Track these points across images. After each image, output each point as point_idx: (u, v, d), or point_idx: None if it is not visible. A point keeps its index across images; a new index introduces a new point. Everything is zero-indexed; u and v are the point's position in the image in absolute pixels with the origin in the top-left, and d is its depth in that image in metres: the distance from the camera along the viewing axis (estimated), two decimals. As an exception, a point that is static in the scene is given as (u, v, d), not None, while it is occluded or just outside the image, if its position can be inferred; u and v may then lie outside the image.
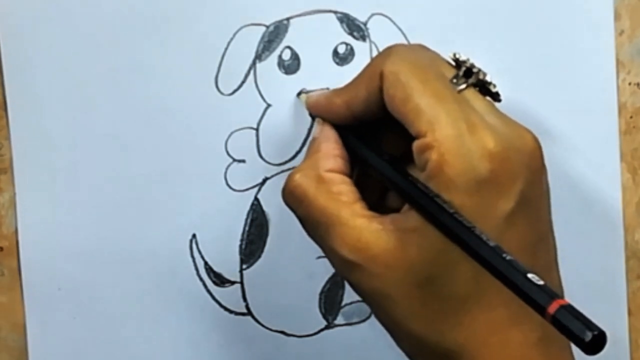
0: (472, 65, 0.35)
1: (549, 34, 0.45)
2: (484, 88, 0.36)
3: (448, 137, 0.33)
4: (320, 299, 0.45)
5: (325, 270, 0.45)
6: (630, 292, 0.46)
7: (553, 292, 0.28)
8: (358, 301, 0.45)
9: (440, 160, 0.33)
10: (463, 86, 0.35)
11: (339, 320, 0.45)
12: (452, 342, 0.33)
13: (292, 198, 0.37)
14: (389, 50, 0.37)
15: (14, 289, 0.44)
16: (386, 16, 0.44)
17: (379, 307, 0.35)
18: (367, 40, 0.44)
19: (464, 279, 0.33)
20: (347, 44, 0.44)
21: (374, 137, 0.38)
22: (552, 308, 0.27)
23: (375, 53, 0.44)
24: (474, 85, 0.35)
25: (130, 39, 0.43)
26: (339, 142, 0.38)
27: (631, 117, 0.45)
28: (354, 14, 0.44)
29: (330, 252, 0.36)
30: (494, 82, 0.36)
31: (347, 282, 0.36)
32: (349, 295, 0.45)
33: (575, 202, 0.45)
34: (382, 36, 0.44)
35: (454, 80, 0.35)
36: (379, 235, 0.34)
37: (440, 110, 0.33)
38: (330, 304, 0.45)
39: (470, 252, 0.30)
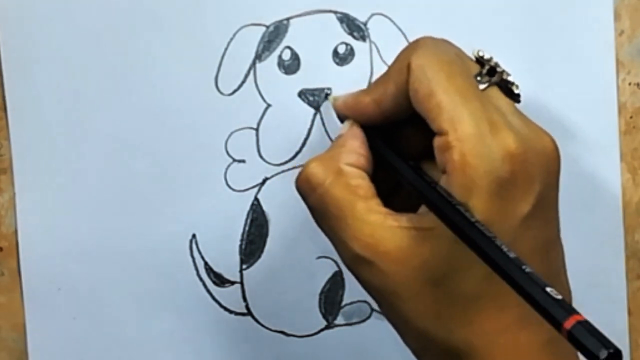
0: (496, 64, 0.35)
1: (549, 34, 0.45)
2: (506, 88, 0.35)
3: (470, 136, 0.32)
4: (320, 299, 0.45)
5: (325, 270, 0.45)
6: (630, 292, 0.46)
7: (570, 307, 0.28)
8: (358, 301, 0.45)
9: (462, 160, 0.32)
10: (486, 84, 0.35)
11: (339, 320, 0.45)
12: (461, 341, 0.33)
13: (307, 185, 0.36)
14: (417, 43, 0.36)
15: (14, 289, 0.44)
16: (386, 16, 0.44)
17: (387, 303, 0.35)
18: (367, 40, 0.44)
19: (476, 280, 0.33)
20: (347, 44, 0.44)
21: (398, 139, 0.38)
22: (569, 323, 0.27)
23: (375, 53, 0.44)
24: (497, 84, 0.35)
25: (130, 39, 0.43)
26: (364, 142, 0.37)
27: (631, 117, 0.45)
28: (354, 14, 0.44)
29: (340, 245, 0.35)
30: (516, 83, 0.36)
31: (356, 277, 0.36)
32: (349, 295, 0.45)
33: (575, 202, 0.45)
34: (382, 36, 0.44)
35: (478, 78, 0.35)
36: (393, 232, 0.34)
37: (463, 109, 0.33)
38: (330, 304, 0.45)
39: (491, 263, 0.30)
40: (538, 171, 0.33)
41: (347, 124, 0.38)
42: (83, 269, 0.44)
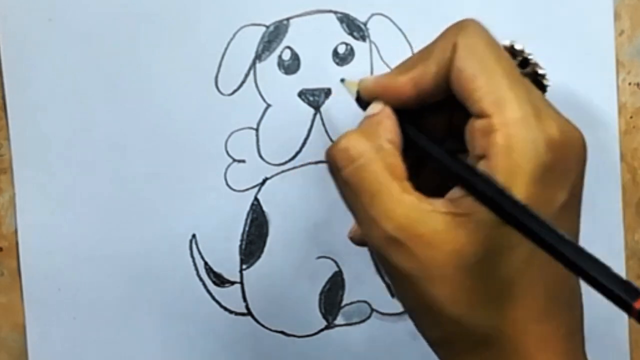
0: (529, 55, 0.35)
1: (549, 33, 0.45)
2: (536, 80, 0.35)
3: (516, 121, 0.32)
4: (320, 299, 0.45)
5: (325, 270, 0.45)
6: (630, 292, 0.46)
7: (637, 288, 0.27)
8: (358, 301, 0.45)
9: (507, 144, 0.32)
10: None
11: (339, 320, 0.45)
12: (492, 328, 0.33)
13: (344, 155, 0.34)
14: (463, 22, 0.35)
15: (14, 289, 0.44)
16: (386, 16, 0.44)
17: (414, 289, 0.33)
18: (367, 40, 0.44)
19: (511, 267, 0.32)
20: (347, 44, 0.44)
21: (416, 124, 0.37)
22: (639, 304, 0.26)
23: (375, 53, 0.44)
24: (528, 75, 0.35)
25: (129, 39, 0.43)
26: (397, 124, 0.36)
27: (631, 117, 0.45)
28: (354, 14, 0.44)
29: (370, 224, 0.34)
30: (547, 75, 0.35)
31: (382, 260, 0.34)
32: (349, 295, 0.45)
33: (575, 202, 0.45)
34: (382, 36, 0.44)
35: None
36: (428, 215, 0.33)
37: (509, 92, 0.32)
38: (330, 304, 0.45)
39: (549, 249, 0.29)
40: (574, 161, 0.33)
41: (378, 104, 0.36)
42: (83, 269, 0.44)
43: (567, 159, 0.33)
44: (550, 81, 0.35)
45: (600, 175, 0.45)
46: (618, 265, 0.45)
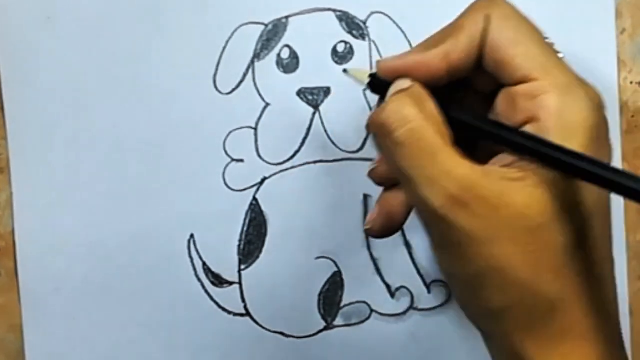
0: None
1: (550, 32, 0.44)
2: None
3: (566, 83, 0.33)
4: (319, 299, 0.45)
5: (324, 270, 0.44)
6: (632, 292, 0.45)
7: None
8: (357, 302, 0.45)
9: (560, 107, 0.32)
10: None
11: (338, 321, 0.45)
12: (554, 292, 0.33)
13: (397, 116, 0.33)
14: None
15: (11, 289, 0.44)
16: (385, 14, 0.44)
17: (478, 251, 0.33)
18: (367, 38, 0.44)
19: (569, 232, 0.32)
20: (346, 43, 0.44)
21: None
22: None
23: (375, 52, 0.44)
24: None
25: (128, 38, 0.43)
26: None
27: (633, 116, 0.45)
28: (353, 12, 0.43)
29: (432, 184, 0.33)
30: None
31: (438, 223, 0.33)
32: (349, 296, 0.45)
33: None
34: (382, 35, 0.44)
35: None
36: (486, 179, 0.33)
37: (552, 58, 0.34)
38: (329, 304, 0.45)
39: (621, 190, 0.31)
40: (607, 125, 0.34)
41: (405, 80, 0.35)
42: (80, 269, 0.44)
43: (606, 122, 0.34)
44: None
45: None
46: (619, 266, 0.45)
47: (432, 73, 0.35)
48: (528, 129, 0.33)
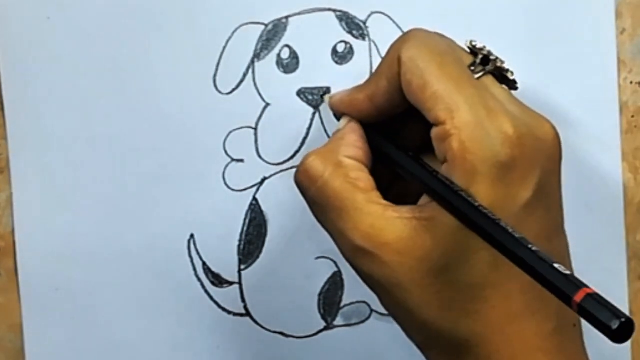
0: (490, 53, 0.35)
1: (550, 33, 0.44)
2: (502, 76, 0.36)
3: (468, 124, 0.33)
4: (319, 299, 0.45)
5: (324, 270, 0.44)
6: (632, 293, 0.45)
7: (579, 281, 0.28)
8: (357, 302, 0.45)
9: (461, 147, 0.32)
10: (480, 74, 0.35)
11: (338, 321, 0.45)
12: (467, 331, 0.33)
13: (306, 177, 0.36)
14: (407, 35, 0.36)
15: (11, 289, 0.44)
16: (386, 15, 0.43)
17: (389, 296, 0.35)
18: (367, 39, 0.44)
19: (481, 268, 0.33)
20: (346, 43, 0.44)
21: (396, 135, 0.38)
22: (579, 297, 0.27)
23: (375, 52, 0.44)
24: (492, 73, 0.35)
25: (128, 38, 0.43)
26: (363, 136, 0.37)
27: (633, 116, 0.45)
28: (353, 12, 0.43)
29: (340, 238, 0.35)
30: (511, 69, 0.36)
31: (356, 271, 0.36)
32: (349, 296, 0.45)
33: (577, 202, 0.44)
34: (382, 35, 0.43)
35: (472, 68, 0.35)
36: (393, 223, 0.34)
37: (459, 97, 0.33)
38: (329, 304, 0.45)
39: (497, 245, 0.30)
40: (538, 157, 0.33)
41: (344, 120, 0.38)
42: (80, 269, 0.44)
43: (528, 155, 0.33)
44: (514, 75, 0.36)
45: (601, 175, 0.45)
46: (619, 266, 0.45)
47: (363, 114, 0.37)
48: (442, 170, 0.34)
